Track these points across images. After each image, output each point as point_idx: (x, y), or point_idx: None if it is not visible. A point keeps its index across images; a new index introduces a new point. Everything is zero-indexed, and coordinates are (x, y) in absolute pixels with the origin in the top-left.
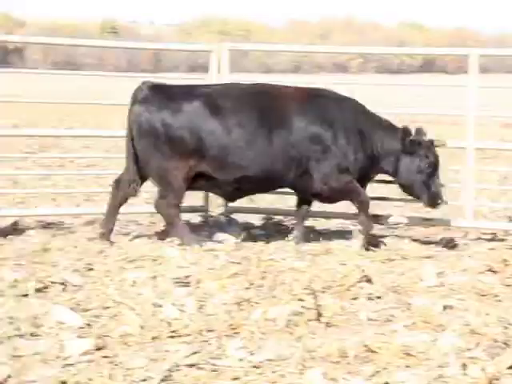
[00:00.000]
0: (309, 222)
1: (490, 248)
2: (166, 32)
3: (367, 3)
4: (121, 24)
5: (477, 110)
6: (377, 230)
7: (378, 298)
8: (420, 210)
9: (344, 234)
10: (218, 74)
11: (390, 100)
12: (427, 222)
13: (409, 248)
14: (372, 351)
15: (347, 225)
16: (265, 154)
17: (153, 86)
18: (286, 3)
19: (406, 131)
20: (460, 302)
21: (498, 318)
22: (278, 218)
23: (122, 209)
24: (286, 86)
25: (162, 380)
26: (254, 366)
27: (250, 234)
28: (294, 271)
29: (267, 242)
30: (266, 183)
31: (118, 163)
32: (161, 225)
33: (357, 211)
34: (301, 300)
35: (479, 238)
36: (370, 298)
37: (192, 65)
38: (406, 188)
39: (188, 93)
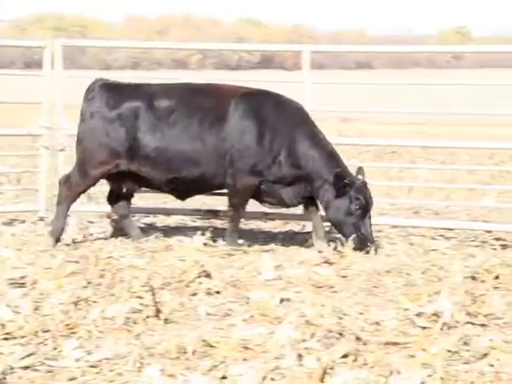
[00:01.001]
0: (149, 219)
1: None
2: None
3: None
4: None
5: (312, 104)
6: (218, 224)
7: (217, 292)
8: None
9: (184, 231)
10: (52, 71)
11: None
12: (266, 215)
13: (248, 242)
14: (210, 346)
15: (187, 221)
16: (199, 154)
17: (103, 85)
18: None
19: (339, 176)
20: (297, 295)
21: (332, 309)
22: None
23: None
24: (233, 86)
25: None
26: (92, 366)
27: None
28: (133, 269)
29: (106, 240)
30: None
31: None
32: None
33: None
34: (139, 297)
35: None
36: (209, 293)
37: (28, 61)
38: (334, 225)
39: (132, 91)
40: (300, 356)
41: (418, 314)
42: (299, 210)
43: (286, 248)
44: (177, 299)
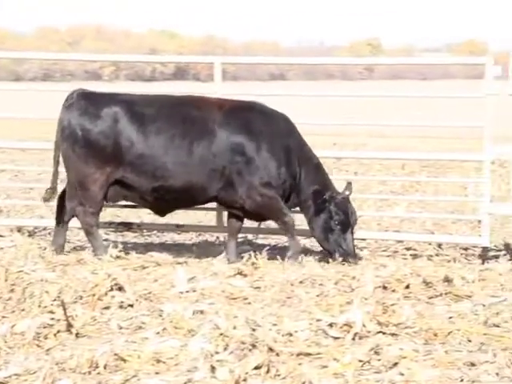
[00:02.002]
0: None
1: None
2: None
3: (117, 10)
4: None
5: None
6: (130, 237)
7: (130, 306)
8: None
9: None
10: None
11: None
12: (179, 227)
13: (162, 254)
14: (122, 360)
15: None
16: (184, 164)
17: (81, 93)
18: (33, 10)
19: (317, 192)
20: (210, 307)
21: (246, 321)
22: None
23: None
24: (214, 98)
25: None
26: (1, 382)
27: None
28: (43, 283)
29: (16, 254)
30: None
31: None
32: None
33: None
34: (51, 312)
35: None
36: (121, 307)
37: None
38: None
39: (111, 100)
40: (213, 368)
41: (331, 325)
42: (212, 221)
43: (200, 260)
44: (89, 313)
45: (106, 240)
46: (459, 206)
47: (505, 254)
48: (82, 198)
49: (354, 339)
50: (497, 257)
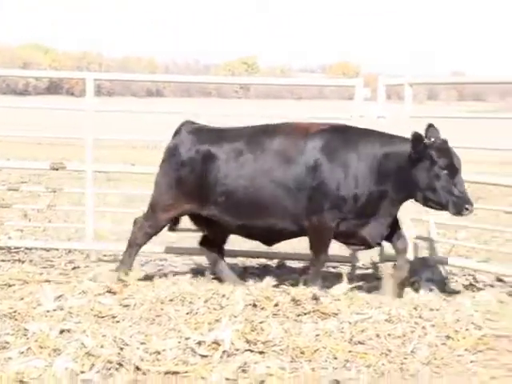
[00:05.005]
0: None
1: (110, 269)
2: None
3: None
4: None
5: (94, 132)
6: None
7: None
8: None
9: None
10: None
11: (16, 121)
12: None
13: (29, 272)
14: None
15: None
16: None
17: (189, 127)
18: None
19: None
20: (77, 325)
21: (113, 339)
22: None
23: None
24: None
25: None
26: None
27: None
28: None
29: None
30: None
31: None
32: None
33: None
34: None
35: (100, 260)
36: None
37: None
38: (433, 201)
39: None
40: None
41: (199, 343)
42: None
43: (68, 278)
44: None
45: None
46: None
47: (372, 273)
48: (148, 214)
49: (221, 357)
50: (365, 275)
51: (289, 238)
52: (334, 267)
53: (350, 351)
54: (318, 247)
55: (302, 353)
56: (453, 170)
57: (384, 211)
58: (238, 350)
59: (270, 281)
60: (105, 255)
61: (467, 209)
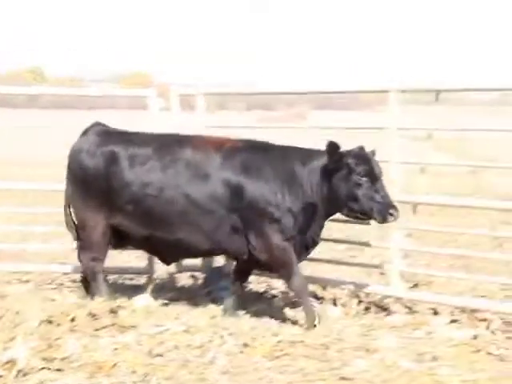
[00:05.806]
0: None
1: None
2: None
3: None
4: None
5: None
6: None
7: None
8: None
9: None
10: None
11: None
12: None
13: None
14: None
15: None
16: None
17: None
18: None
19: (331, 146)
20: None
21: None
22: None
23: None
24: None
25: None
26: None
27: None
28: None
29: None
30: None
31: None
32: None
33: None
34: None
35: None
36: None
37: None
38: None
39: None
40: None
41: None
42: None
43: None
44: None
45: None
46: None
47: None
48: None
49: (17, 376)
50: (162, 286)
51: (197, 257)
52: (130, 279)
53: (149, 364)
54: (282, 270)
55: (100, 368)
56: (372, 176)
57: (314, 226)
58: (33, 368)
59: (68, 295)
60: None
61: (391, 214)
